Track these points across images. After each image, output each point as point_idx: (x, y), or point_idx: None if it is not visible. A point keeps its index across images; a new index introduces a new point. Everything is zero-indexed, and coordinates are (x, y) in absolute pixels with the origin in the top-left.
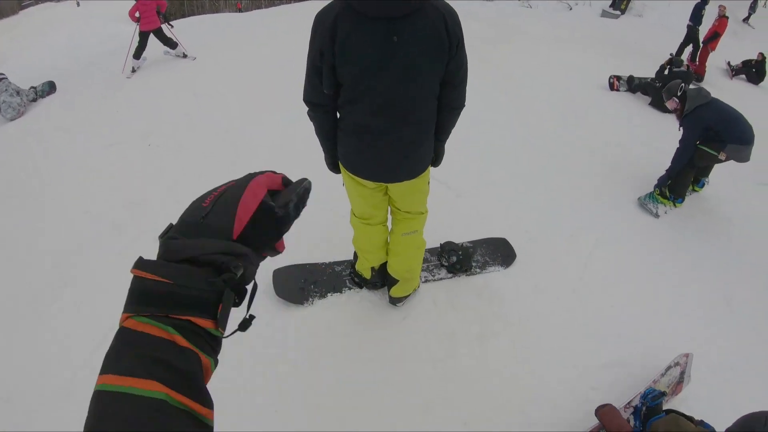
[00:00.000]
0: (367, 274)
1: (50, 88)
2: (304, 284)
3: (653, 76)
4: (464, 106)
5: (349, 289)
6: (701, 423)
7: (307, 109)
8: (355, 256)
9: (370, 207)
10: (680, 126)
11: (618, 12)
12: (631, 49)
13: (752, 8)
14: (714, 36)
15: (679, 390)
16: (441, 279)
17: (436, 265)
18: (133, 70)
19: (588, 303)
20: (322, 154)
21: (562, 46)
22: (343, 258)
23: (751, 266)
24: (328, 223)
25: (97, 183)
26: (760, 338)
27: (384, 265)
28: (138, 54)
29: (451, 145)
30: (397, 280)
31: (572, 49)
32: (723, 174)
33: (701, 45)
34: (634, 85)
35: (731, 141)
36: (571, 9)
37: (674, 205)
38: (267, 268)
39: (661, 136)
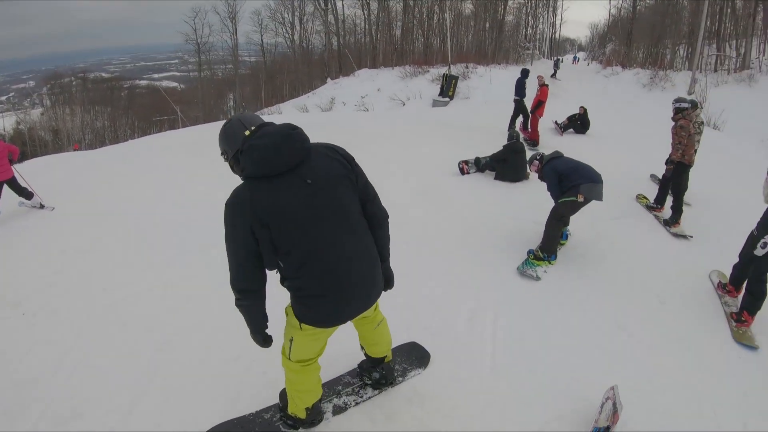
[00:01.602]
0: (303, 415)
1: None
2: None
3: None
4: (389, 216)
5: None
6: None
7: (235, 299)
8: (282, 398)
9: (320, 349)
10: (540, 178)
11: (447, 98)
12: (467, 130)
13: (556, 65)
14: (539, 104)
15: (616, 419)
16: (370, 398)
17: (361, 386)
18: None
19: (507, 375)
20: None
21: (404, 140)
22: (268, 404)
23: (629, 291)
24: (240, 372)
25: None
26: (657, 350)
27: (318, 402)
28: None
29: None
30: (384, 356)
31: (415, 140)
32: (581, 223)
33: (530, 114)
34: (481, 165)
35: (583, 181)
36: (404, 104)
37: (549, 263)
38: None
39: (514, 206)
